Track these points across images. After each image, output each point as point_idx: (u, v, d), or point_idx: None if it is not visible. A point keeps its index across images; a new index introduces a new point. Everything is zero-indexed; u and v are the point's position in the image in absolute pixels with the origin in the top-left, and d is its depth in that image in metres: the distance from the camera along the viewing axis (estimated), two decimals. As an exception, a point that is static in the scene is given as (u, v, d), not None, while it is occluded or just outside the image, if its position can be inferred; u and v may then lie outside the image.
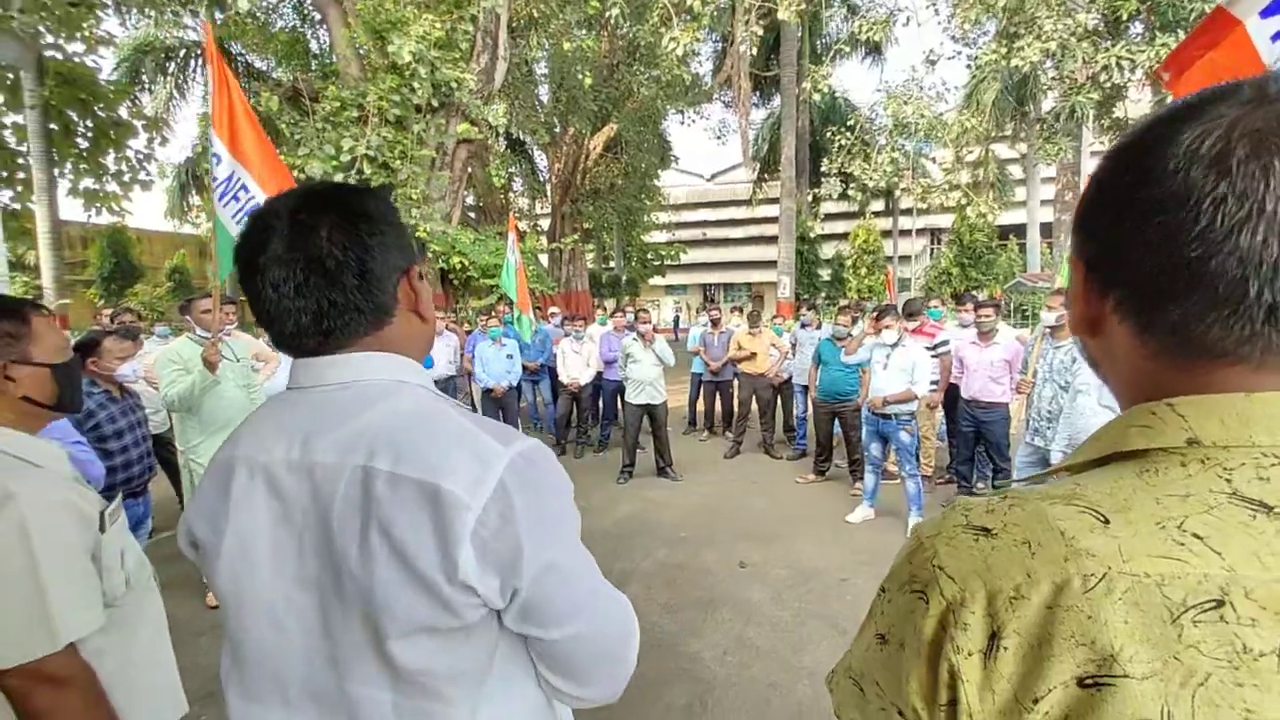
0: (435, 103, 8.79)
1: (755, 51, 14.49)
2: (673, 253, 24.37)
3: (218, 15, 10.23)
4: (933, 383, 5.05)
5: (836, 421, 5.35)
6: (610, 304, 22.17)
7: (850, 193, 14.84)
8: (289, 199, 0.69)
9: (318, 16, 10.34)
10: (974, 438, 4.65)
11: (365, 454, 0.62)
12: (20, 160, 10.97)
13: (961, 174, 15.98)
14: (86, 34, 10.61)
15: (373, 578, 0.60)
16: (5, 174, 11.25)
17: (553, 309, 8.48)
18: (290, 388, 0.71)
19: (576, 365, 6.46)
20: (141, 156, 10.75)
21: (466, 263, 9.61)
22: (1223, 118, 0.40)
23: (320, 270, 0.65)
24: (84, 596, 0.93)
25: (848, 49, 11.81)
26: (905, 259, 27.31)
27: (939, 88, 10.01)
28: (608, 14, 8.33)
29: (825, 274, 23.63)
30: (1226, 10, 1.46)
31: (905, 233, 26.36)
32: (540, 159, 17.84)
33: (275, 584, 0.65)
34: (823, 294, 22.24)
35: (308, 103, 8.74)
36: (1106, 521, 0.40)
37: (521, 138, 15.96)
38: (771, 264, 16.52)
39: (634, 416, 5.73)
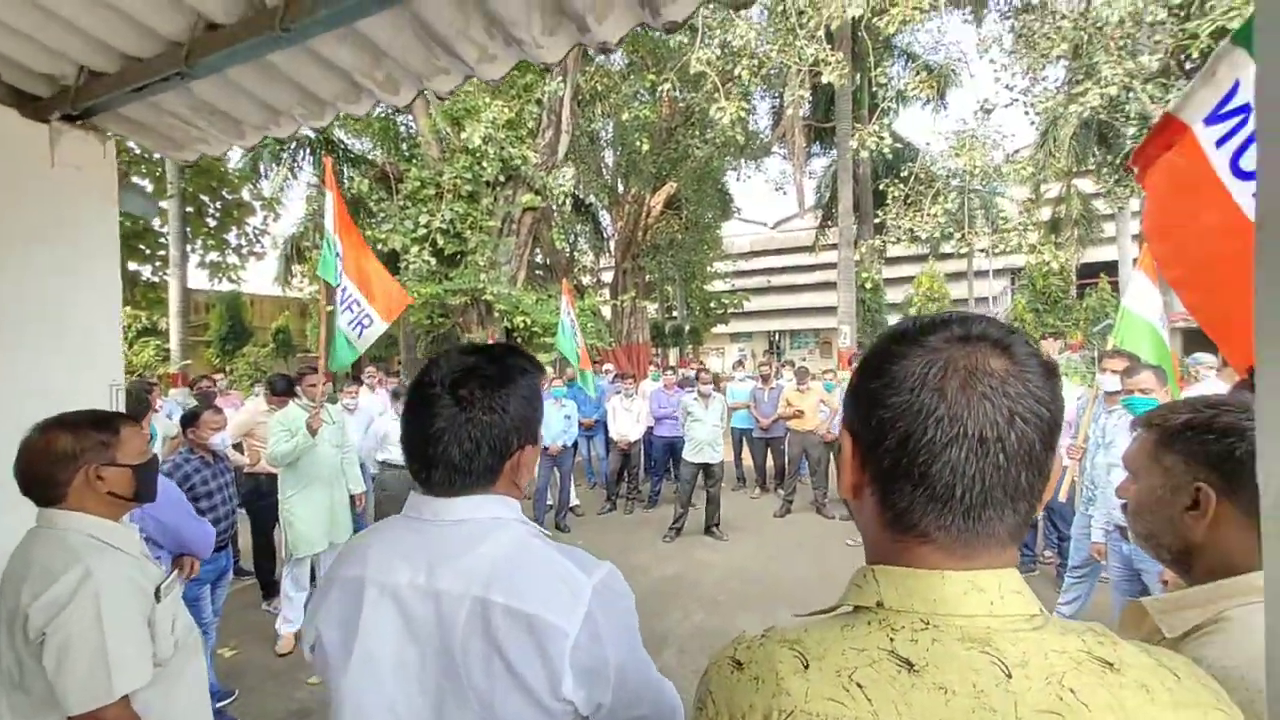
0: (503, 177, 9.57)
1: (813, 104, 14.70)
2: (735, 300, 24.47)
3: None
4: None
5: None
6: (674, 353, 22.44)
7: (920, 235, 14.56)
8: (456, 366, 0.86)
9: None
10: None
11: (482, 586, 0.77)
12: (161, 239, 12.85)
13: (1040, 211, 15.21)
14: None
15: (493, 692, 0.75)
16: (149, 251, 13.21)
17: (607, 366, 8.76)
18: (408, 516, 0.87)
19: (626, 422, 6.64)
20: (258, 231, 12.37)
21: (529, 321, 10.17)
22: (941, 351, 0.52)
23: (452, 439, 0.82)
24: (137, 656, 1.18)
25: (894, 106, 11.93)
26: (984, 301, 25.98)
27: (995, 136, 9.81)
28: (661, 88, 8.85)
29: (892, 320, 22.82)
30: (1174, 116, 1.50)
31: (982, 274, 25.14)
32: (605, 217, 18.69)
33: (397, 688, 0.79)
34: (890, 342, 21.38)
35: (393, 183, 9.75)
36: (807, 666, 0.50)
37: (586, 199, 16.85)
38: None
39: (690, 474, 5.80)
